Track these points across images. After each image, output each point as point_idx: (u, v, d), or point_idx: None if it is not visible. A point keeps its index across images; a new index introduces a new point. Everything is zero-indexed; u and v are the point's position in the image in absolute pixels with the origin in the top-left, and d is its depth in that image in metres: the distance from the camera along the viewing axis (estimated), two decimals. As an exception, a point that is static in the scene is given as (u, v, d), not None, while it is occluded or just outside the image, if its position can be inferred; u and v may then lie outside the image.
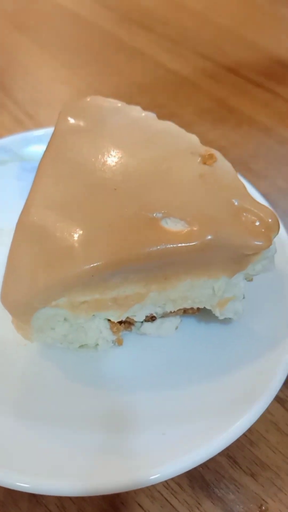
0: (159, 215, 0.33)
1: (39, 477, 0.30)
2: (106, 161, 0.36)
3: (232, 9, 0.90)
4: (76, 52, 0.78)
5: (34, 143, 0.52)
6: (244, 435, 0.36)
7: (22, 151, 0.51)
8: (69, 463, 0.31)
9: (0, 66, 0.73)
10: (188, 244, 0.32)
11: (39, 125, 0.63)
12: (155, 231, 0.32)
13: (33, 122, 0.63)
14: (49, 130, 0.52)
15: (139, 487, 0.30)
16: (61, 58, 0.76)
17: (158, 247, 0.32)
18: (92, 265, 0.31)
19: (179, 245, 0.32)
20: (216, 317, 0.39)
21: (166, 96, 0.68)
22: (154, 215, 0.33)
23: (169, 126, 0.38)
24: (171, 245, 0.32)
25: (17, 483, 0.30)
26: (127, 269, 0.32)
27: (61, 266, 0.32)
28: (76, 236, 0.32)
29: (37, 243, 0.33)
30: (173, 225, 0.32)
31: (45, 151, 0.39)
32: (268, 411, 0.38)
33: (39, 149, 0.51)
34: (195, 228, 0.32)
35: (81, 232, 0.32)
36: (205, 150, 0.36)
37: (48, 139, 0.51)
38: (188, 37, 0.82)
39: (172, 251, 0.32)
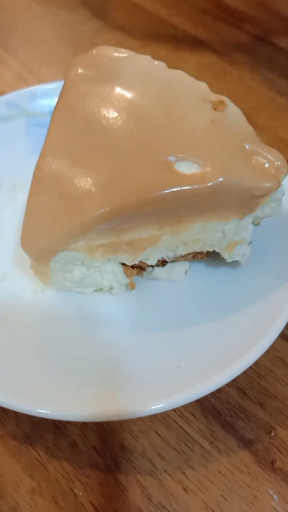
0: (173, 159, 0.34)
1: (59, 405, 0.32)
2: (119, 108, 0.37)
3: None
4: (75, 8, 0.77)
5: (41, 98, 0.52)
6: (252, 368, 0.39)
7: (29, 105, 0.52)
8: (85, 393, 0.33)
9: (1, 25, 0.72)
10: (201, 186, 0.33)
11: (42, 81, 0.63)
12: (170, 174, 0.33)
13: (35, 78, 0.63)
14: (55, 85, 0.53)
15: (156, 413, 0.33)
16: (60, 15, 0.76)
17: (173, 189, 0.33)
18: (110, 208, 0.33)
19: (193, 187, 0.33)
20: (224, 263, 0.41)
21: (167, 50, 0.68)
22: (168, 159, 0.34)
23: (180, 74, 0.39)
24: (185, 187, 0.33)
25: (39, 410, 0.32)
26: (143, 211, 0.34)
27: (80, 210, 0.33)
28: (93, 181, 0.34)
29: (55, 188, 0.34)
30: (187, 168, 0.34)
31: (58, 102, 0.40)
32: (274, 347, 0.40)
33: (46, 103, 0.52)
34: (208, 170, 0.33)
35: (98, 176, 0.34)
36: (215, 97, 0.37)
37: (55, 93, 0.52)
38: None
39: (186, 193, 0.33)
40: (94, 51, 0.42)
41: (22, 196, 0.47)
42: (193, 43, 0.70)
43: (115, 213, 0.33)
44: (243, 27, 0.73)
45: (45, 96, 0.52)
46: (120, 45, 0.67)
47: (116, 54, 0.41)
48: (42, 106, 0.52)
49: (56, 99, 0.51)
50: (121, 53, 0.41)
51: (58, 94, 0.50)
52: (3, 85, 0.62)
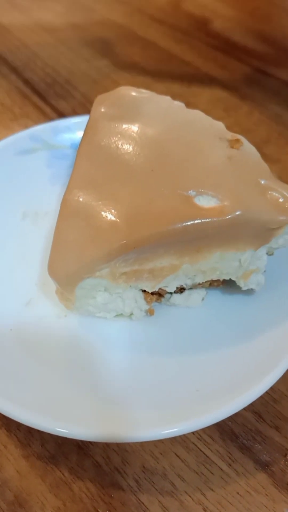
0: (193, 193, 0.36)
1: (78, 425, 0.34)
2: (142, 145, 0.39)
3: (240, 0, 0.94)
4: (91, 45, 0.81)
5: (63, 132, 0.55)
6: (268, 393, 0.40)
7: (51, 139, 0.54)
8: (105, 414, 0.35)
9: (21, 60, 0.76)
10: (220, 218, 0.35)
11: (60, 114, 0.66)
12: (190, 208, 0.36)
13: (54, 111, 0.67)
14: (76, 119, 0.56)
15: (177, 435, 0.34)
16: (77, 50, 0.79)
17: (194, 221, 0.35)
18: (134, 238, 0.35)
19: (212, 219, 0.35)
20: (239, 290, 0.43)
21: (180, 86, 0.71)
22: (189, 193, 0.36)
23: (198, 114, 0.42)
24: (205, 220, 0.35)
25: (58, 429, 0.33)
26: (165, 242, 0.36)
27: (106, 240, 0.35)
28: (118, 213, 0.36)
29: (82, 219, 0.36)
30: (206, 202, 0.36)
31: (83, 138, 0.42)
32: (288, 372, 0.41)
33: (67, 137, 0.55)
34: (226, 204, 0.35)
35: (123, 209, 0.36)
36: (231, 135, 0.40)
37: (76, 128, 0.55)
38: (199, 29, 0.85)
39: (206, 225, 0.35)
40: (115, 91, 0.45)
41: (45, 224, 0.49)
42: (205, 79, 0.73)
43: (138, 243, 0.35)
44: (253, 63, 0.77)
45: (67, 130, 0.55)
46: (134, 81, 0.71)
47: (137, 94, 0.44)
48: (64, 139, 0.55)
49: (77, 133, 0.55)
50: (141, 94, 0.44)
51: (79, 128, 0.54)
52: (25, 118, 0.65)
